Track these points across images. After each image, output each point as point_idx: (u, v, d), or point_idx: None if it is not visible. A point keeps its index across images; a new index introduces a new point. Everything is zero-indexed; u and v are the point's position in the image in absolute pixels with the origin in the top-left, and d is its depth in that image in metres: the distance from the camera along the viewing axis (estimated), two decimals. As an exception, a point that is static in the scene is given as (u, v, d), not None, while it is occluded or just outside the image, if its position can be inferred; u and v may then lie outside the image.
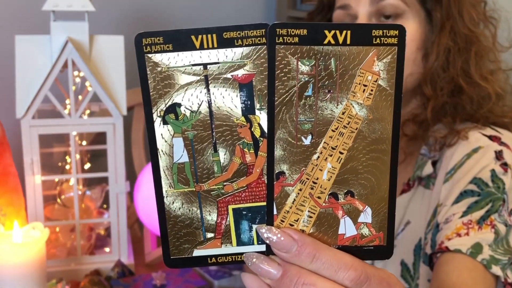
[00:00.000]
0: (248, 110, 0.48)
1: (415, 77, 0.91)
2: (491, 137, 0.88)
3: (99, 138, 1.27)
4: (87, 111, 1.22)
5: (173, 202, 0.49)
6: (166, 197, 0.49)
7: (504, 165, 0.84)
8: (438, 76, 0.90)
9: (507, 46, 0.95)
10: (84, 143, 1.27)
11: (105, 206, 1.24)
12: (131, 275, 1.13)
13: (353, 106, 0.48)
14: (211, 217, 0.50)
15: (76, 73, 1.16)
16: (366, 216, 0.49)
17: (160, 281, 1.07)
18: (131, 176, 1.34)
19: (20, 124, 1.07)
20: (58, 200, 1.21)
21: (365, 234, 0.49)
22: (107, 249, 1.21)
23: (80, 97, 1.18)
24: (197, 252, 0.50)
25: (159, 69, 0.47)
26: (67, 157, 1.23)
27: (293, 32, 0.46)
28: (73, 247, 1.16)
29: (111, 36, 1.13)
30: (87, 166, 1.27)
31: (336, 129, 0.48)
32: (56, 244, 1.17)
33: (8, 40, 1.20)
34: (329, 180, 0.49)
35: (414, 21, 0.89)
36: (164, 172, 0.49)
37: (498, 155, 0.85)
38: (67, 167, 1.22)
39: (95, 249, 1.20)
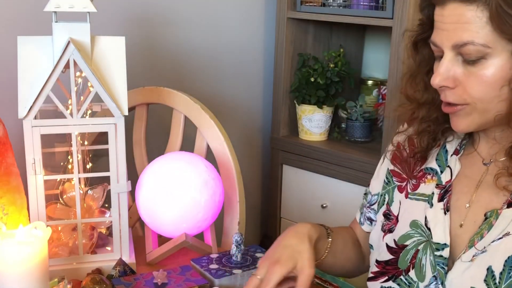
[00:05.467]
0: None
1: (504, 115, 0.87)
2: None
3: (101, 138, 1.28)
4: (89, 111, 1.22)
5: None
6: None
7: None
8: None
9: None
10: (86, 143, 1.28)
11: (106, 205, 1.25)
12: (133, 273, 1.14)
13: None
14: None
15: (78, 73, 1.17)
16: None
17: (161, 280, 1.08)
18: (133, 175, 1.34)
19: (23, 124, 1.08)
20: (60, 199, 1.22)
21: None
22: (108, 248, 1.21)
23: (82, 97, 1.19)
24: None
25: None
26: (69, 157, 1.24)
27: None
28: (75, 246, 1.17)
29: (112, 36, 1.14)
30: (89, 166, 1.28)
31: None
32: (58, 243, 1.18)
33: (11, 41, 1.21)
34: None
35: (500, 59, 0.85)
36: None
37: None
38: (69, 166, 1.23)
39: (97, 248, 1.21)
